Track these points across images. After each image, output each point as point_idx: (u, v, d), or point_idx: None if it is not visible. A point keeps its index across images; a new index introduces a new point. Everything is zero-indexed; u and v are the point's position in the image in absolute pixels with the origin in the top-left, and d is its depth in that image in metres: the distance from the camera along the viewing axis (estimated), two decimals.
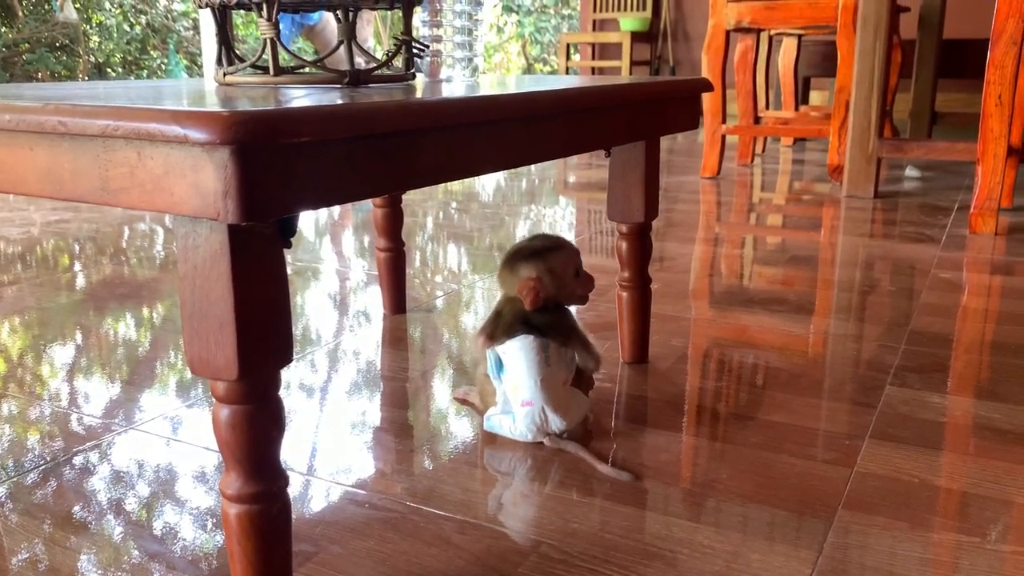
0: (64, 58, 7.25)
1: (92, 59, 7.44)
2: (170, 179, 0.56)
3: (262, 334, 0.61)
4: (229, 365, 0.61)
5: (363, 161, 0.63)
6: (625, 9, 6.06)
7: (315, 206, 0.60)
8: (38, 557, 0.80)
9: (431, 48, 1.05)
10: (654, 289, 1.69)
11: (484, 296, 1.66)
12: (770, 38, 4.07)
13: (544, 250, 1.02)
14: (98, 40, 7.58)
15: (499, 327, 1.00)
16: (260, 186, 0.55)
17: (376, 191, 0.65)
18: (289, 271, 1.86)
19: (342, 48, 0.91)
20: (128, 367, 1.29)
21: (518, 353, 0.98)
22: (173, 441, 1.04)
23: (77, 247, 2.13)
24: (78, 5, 7.25)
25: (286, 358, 0.64)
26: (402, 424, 1.08)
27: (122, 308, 1.60)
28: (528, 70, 9.58)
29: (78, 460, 0.99)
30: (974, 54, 3.94)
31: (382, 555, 0.80)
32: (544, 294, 1.00)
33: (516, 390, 0.99)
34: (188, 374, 1.26)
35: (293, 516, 0.86)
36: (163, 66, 7.67)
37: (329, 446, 1.03)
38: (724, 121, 3.20)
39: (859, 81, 2.66)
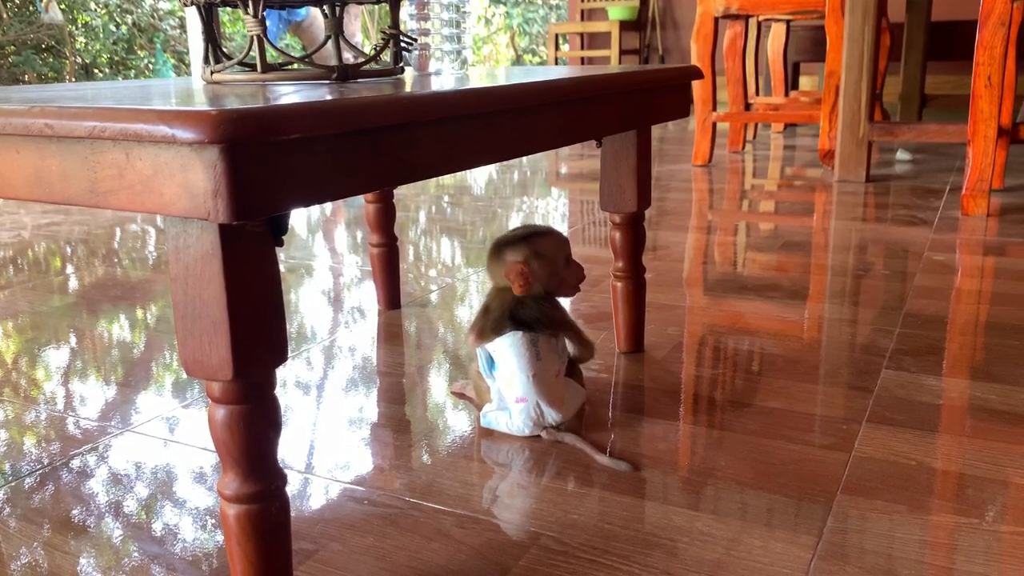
0: (50, 60, 7.21)
1: (79, 60, 7.40)
2: (159, 180, 0.56)
3: (256, 333, 0.61)
4: (223, 366, 0.60)
5: (354, 157, 0.63)
6: None
7: (306, 203, 0.60)
8: (37, 562, 0.80)
9: (419, 41, 1.04)
10: (648, 278, 1.69)
11: (478, 289, 1.66)
12: (759, 24, 4.06)
13: (530, 235, 1.01)
14: (84, 41, 7.53)
15: (487, 324, 1.00)
16: (250, 184, 0.55)
17: (368, 187, 0.65)
18: (282, 269, 1.86)
19: (330, 43, 0.91)
20: (123, 369, 1.29)
21: (508, 350, 0.97)
22: (170, 442, 1.04)
23: (69, 249, 2.12)
24: (63, 6, 7.20)
25: (281, 357, 0.64)
26: (399, 419, 1.08)
27: (115, 310, 1.59)
28: (517, 61, 9.55)
29: (75, 463, 0.99)
30: (963, 36, 3.94)
31: (382, 551, 0.80)
32: (533, 279, 0.99)
33: (509, 387, 0.98)
34: (183, 375, 1.25)
35: (292, 514, 0.86)
36: (150, 66, 7.63)
37: (326, 443, 1.02)
38: (715, 108, 3.20)
39: (848, 65, 2.66)
